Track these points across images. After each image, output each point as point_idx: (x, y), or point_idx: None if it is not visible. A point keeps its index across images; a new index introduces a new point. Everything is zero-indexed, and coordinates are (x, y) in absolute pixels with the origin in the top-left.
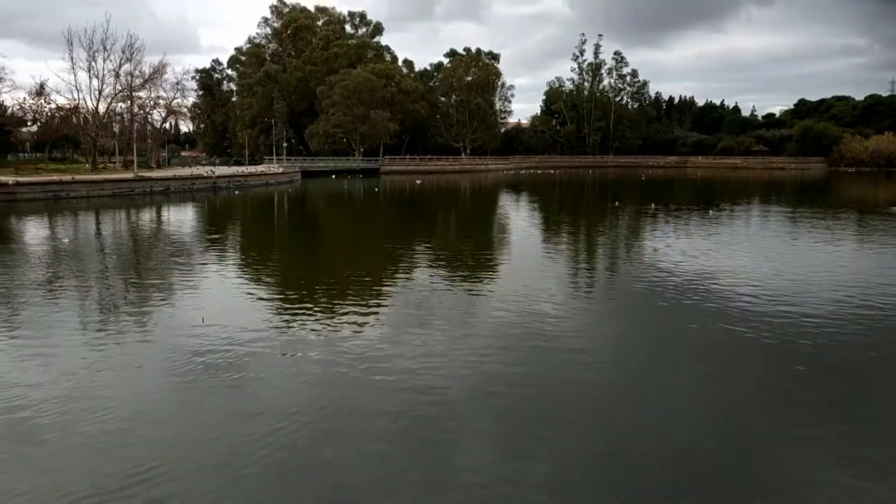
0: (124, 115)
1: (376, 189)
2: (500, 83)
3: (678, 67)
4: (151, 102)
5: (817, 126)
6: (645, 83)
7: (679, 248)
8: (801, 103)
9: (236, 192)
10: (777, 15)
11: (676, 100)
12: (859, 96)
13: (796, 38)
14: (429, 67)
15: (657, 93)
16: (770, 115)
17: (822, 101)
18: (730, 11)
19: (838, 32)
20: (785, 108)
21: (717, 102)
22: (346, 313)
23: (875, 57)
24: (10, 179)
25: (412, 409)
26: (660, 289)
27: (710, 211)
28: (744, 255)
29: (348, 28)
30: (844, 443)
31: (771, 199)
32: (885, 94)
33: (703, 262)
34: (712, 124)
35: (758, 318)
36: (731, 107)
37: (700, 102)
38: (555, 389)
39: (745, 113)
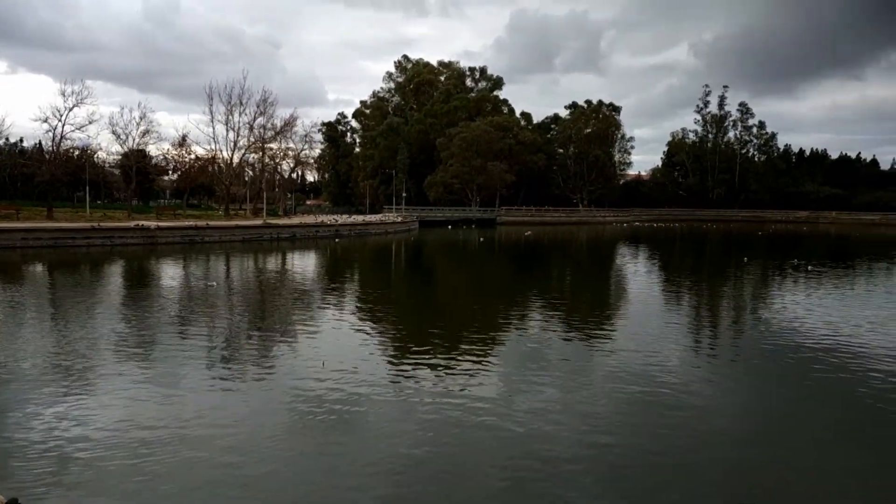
0: (255, 165)
1: (481, 239)
2: (619, 135)
3: (811, 118)
4: (281, 153)
5: None
6: (773, 135)
7: (816, 309)
8: None
9: (351, 240)
10: None
11: (808, 152)
12: None
13: None
14: (547, 119)
15: (787, 145)
16: None
17: None
18: (868, 58)
19: None
20: None
21: (853, 155)
22: (459, 363)
23: None
24: (153, 224)
25: (523, 465)
26: (793, 355)
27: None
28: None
29: (468, 82)
30: None
31: None
32: None
33: (843, 325)
34: (847, 178)
35: None
36: (867, 160)
37: (834, 155)
38: (672, 460)
39: (885, 166)
